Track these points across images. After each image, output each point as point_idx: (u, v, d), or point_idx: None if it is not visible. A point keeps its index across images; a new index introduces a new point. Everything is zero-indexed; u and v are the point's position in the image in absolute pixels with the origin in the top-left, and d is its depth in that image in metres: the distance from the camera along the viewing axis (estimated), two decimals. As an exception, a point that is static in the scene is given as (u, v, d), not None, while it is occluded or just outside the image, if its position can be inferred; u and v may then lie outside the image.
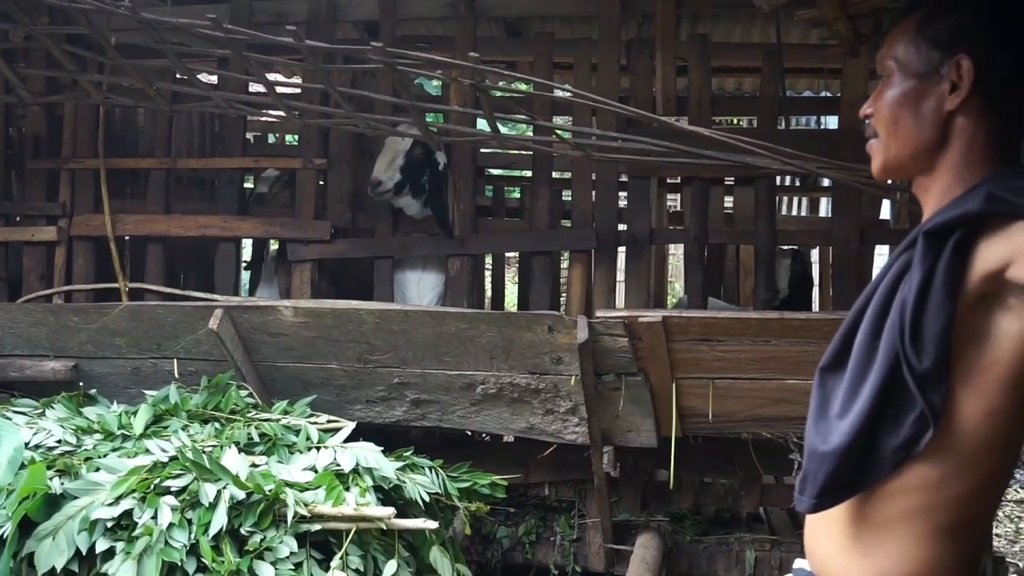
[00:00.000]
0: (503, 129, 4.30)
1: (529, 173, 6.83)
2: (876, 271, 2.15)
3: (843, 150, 4.08)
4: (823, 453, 1.61)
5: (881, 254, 4.48)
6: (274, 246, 5.90)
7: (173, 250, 5.45)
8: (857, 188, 4.11)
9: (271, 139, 7.83)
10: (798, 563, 1.90)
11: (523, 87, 6.55)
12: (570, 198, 5.20)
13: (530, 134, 4.44)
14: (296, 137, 8.80)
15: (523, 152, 6.33)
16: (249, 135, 6.69)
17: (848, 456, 1.56)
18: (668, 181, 5.46)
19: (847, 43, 3.64)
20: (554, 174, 5.31)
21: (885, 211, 6.33)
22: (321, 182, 5.19)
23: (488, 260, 7.36)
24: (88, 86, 4.43)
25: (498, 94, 4.23)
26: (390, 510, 3.28)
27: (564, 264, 6.38)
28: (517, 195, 7.57)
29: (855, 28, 3.60)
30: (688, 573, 4.54)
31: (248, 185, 5.90)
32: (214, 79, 5.76)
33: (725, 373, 3.85)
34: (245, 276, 5.87)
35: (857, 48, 3.80)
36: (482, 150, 6.01)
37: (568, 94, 4.19)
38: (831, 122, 7.80)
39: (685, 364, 3.84)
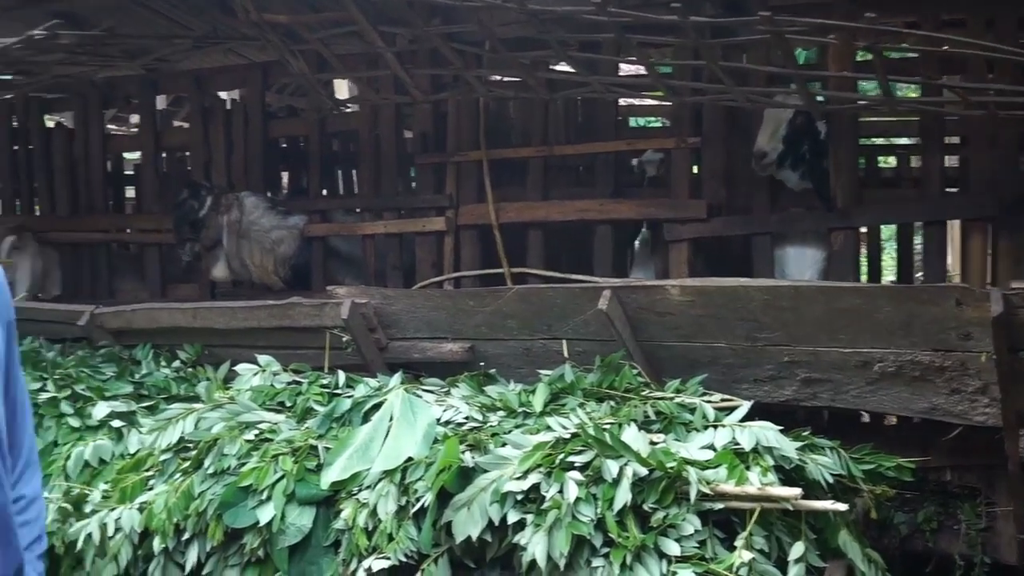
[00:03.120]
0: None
1: (903, 140, 6.49)
2: None
3: None
4: None
5: None
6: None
7: (549, 234, 5.61)
8: None
9: (631, 123, 7.92)
10: None
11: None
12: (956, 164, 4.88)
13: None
14: (640, 120, 8.86)
15: (900, 119, 5.99)
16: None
17: None
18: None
19: None
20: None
21: None
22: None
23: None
24: (473, 81, 4.64)
25: (896, 55, 4.01)
26: (796, 491, 3.19)
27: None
28: (890, 164, 7.20)
29: None
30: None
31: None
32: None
33: None
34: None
35: None
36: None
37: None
38: None
39: (1119, 337, 3.47)
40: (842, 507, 3.20)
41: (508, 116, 6.36)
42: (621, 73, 5.53)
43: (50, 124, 7.41)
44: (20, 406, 2.01)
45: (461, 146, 5.52)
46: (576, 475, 3.33)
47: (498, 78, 5.41)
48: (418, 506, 3.49)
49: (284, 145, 7.07)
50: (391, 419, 3.86)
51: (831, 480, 3.44)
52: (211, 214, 5.83)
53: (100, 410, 4.45)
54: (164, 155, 7.36)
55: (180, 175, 7.16)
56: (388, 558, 3.45)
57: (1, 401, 1.90)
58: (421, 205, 5.64)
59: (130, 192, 8.19)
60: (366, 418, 3.98)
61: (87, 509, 3.99)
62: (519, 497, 3.36)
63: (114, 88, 6.93)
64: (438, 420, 3.85)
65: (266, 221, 5.86)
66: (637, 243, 6.26)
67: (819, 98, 4.35)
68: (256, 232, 5.85)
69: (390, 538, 3.49)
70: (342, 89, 7.93)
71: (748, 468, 3.33)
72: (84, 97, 6.85)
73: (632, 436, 3.45)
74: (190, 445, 4.04)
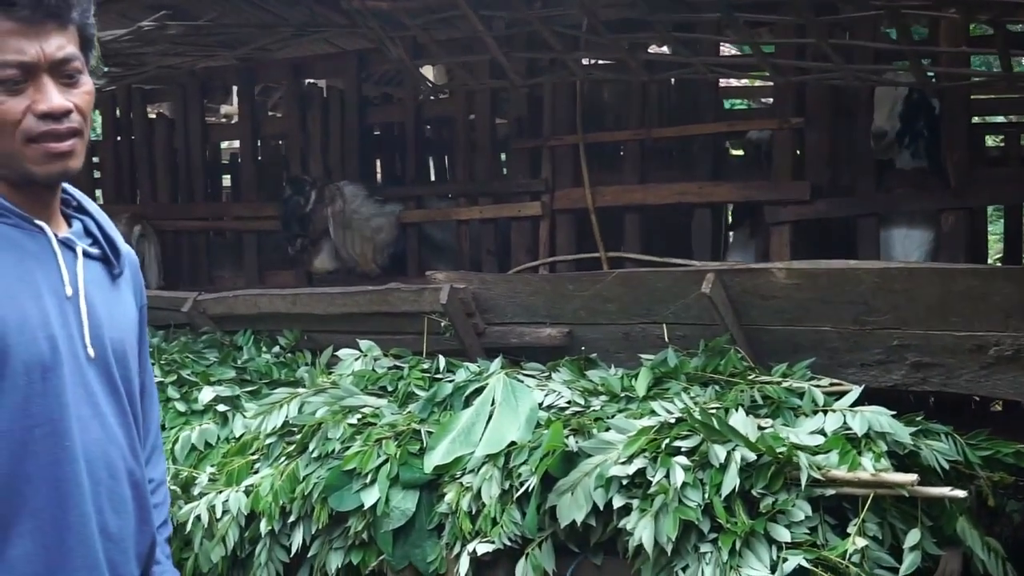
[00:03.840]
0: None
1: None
2: None
3: None
4: None
5: None
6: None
7: (646, 218, 5.55)
8: None
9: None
10: None
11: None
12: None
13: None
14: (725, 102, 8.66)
15: (1007, 97, 5.81)
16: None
17: None
18: None
19: None
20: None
21: None
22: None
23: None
24: (573, 64, 4.60)
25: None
26: (912, 476, 3.11)
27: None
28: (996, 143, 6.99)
29: None
30: None
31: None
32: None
33: None
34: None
35: None
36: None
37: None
38: None
39: None
40: (961, 494, 3.11)
41: (602, 99, 6.30)
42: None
43: (151, 115, 7.56)
44: (148, 391, 2.04)
45: (556, 130, 5.49)
46: (682, 460, 3.28)
47: (593, 61, 5.36)
48: (522, 490, 3.48)
49: (377, 132, 7.10)
50: (493, 403, 3.86)
51: (946, 466, 3.34)
52: (317, 207, 5.89)
53: (205, 395, 4.53)
54: (259, 143, 7.46)
55: (276, 163, 7.25)
56: (492, 542, 3.46)
57: (137, 383, 1.94)
58: (517, 190, 5.63)
59: (224, 180, 8.33)
60: (467, 403, 3.99)
61: (195, 491, 4.06)
62: (624, 482, 3.33)
63: (212, 78, 7.04)
64: (540, 404, 3.83)
65: (366, 210, 5.90)
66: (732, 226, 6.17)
67: (930, 75, 4.23)
68: (357, 221, 5.89)
69: (494, 522, 3.49)
70: (427, 76, 7.94)
71: (860, 454, 3.26)
72: (184, 87, 6.98)
73: (739, 421, 3.40)
74: (294, 429, 4.08)
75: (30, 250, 1.77)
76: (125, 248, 1.98)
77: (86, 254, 1.86)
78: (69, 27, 1.76)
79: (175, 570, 2.07)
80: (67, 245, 1.83)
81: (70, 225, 1.89)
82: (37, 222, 1.80)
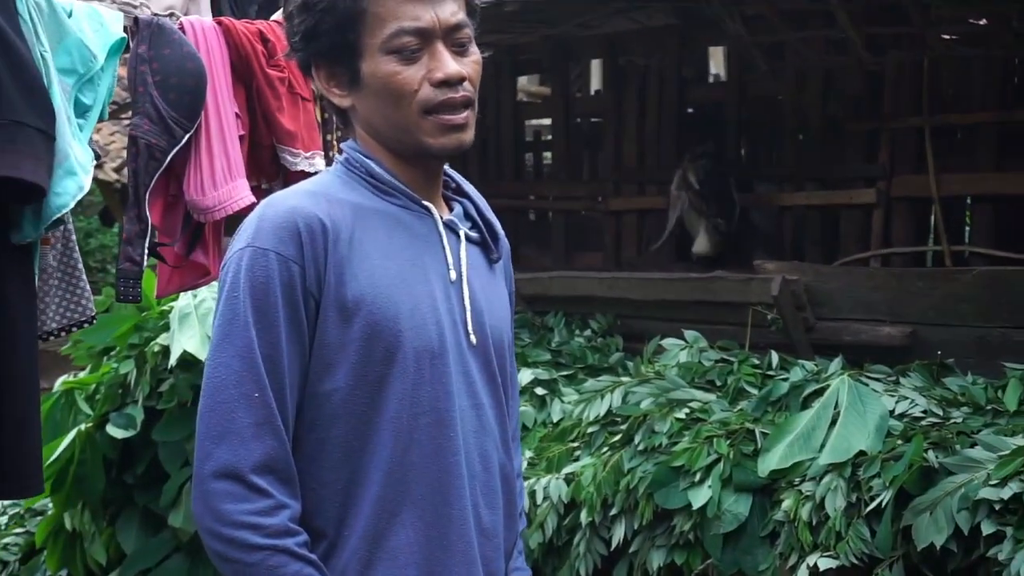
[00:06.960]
0: None
1: None
2: None
3: None
4: None
5: None
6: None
7: (997, 210, 4.99)
8: None
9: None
10: None
11: None
12: None
13: None
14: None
15: None
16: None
17: None
18: None
19: None
20: None
21: None
22: None
23: None
24: (930, 38, 4.20)
25: None
26: None
27: None
28: None
29: None
30: None
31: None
32: None
33: None
34: None
35: None
36: None
37: None
38: None
39: None
40: None
41: (942, 77, 5.76)
42: None
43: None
44: (513, 380, 1.94)
45: (897, 111, 5.04)
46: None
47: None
48: (873, 505, 3.18)
49: (691, 111, 6.82)
50: (836, 407, 3.56)
51: None
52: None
53: (524, 376, 4.47)
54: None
55: (588, 142, 7.11)
56: (836, 557, 3.19)
57: (508, 372, 1.84)
58: (850, 175, 5.23)
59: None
60: (805, 404, 3.71)
61: (513, 475, 4.00)
62: (996, 507, 2.97)
63: (524, 55, 6.98)
64: (891, 412, 3.51)
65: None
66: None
67: None
68: None
69: (839, 536, 3.22)
70: (716, 55, 7.53)
71: None
72: (497, 64, 6.97)
73: None
74: (618, 419, 3.95)
75: (418, 232, 1.71)
76: (502, 233, 1.88)
77: (467, 238, 1.79)
78: None
79: (527, 568, 1.95)
80: (450, 228, 1.76)
81: (450, 208, 1.81)
82: (424, 203, 1.73)
